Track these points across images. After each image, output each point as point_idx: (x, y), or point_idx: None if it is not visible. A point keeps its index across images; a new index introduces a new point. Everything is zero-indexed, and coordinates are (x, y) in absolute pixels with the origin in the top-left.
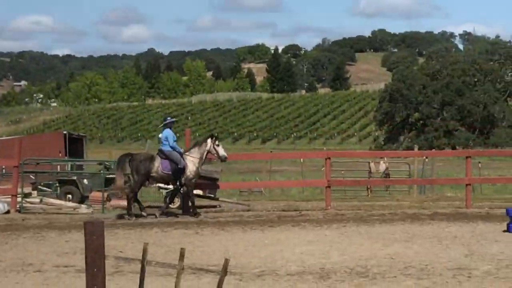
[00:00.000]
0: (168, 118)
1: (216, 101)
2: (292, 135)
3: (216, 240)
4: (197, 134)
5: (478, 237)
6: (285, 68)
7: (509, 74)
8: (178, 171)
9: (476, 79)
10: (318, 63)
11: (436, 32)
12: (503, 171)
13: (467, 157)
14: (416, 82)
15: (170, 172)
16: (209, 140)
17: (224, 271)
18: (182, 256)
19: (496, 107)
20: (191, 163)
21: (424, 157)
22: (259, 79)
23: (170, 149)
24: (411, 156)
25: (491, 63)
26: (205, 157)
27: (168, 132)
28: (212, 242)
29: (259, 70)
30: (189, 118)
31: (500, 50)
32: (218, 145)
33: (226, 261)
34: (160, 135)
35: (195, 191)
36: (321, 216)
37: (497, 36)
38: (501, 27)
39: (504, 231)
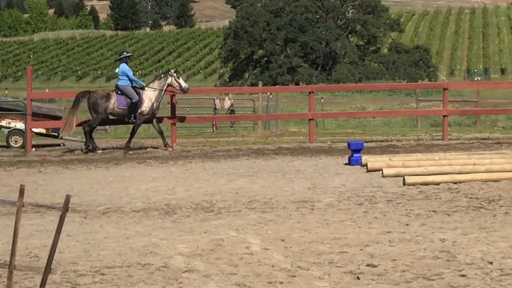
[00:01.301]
0: (124, 52)
1: (58, 39)
2: (137, 73)
3: (60, 179)
4: (39, 73)
5: (321, 171)
6: (128, 5)
7: (350, 11)
8: (132, 105)
9: (318, 16)
10: (162, 0)
11: None
12: (344, 106)
13: (309, 93)
14: (260, 19)
15: (126, 107)
16: (170, 73)
17: (65, 207)
18: (21, 192)
19: (338, 43)
20: (148, 99)
21: (268, 93)
22: (102, 16)
23: (125, 83)
24: (255, 92)
25: (333, 0)
26: (165, 91)
27: (124, 67)
28: (56, 181)
29: (102, 8)
30: (31, 56)
31: None
32: (178, 78)
33: (67, 197)
34: (116, 70)
35: (37, 130)
36: (166, 153)
37: None
38: None
39: (346, 164)
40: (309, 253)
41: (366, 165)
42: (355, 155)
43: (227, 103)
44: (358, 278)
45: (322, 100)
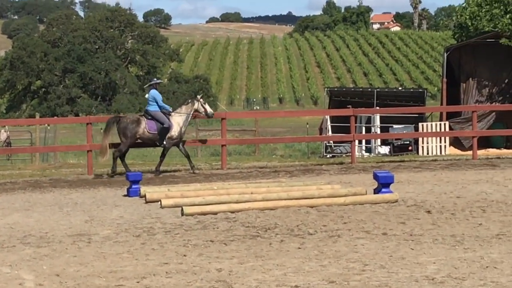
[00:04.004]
0: (154, 79)
1: None
2: None
3: None
4: None
5: (99, 203)
6: None
7: (130, 41)
8: (163, 130)
9: (97, 46)
10: None
11: None
12: None
13: (88, 124)
14: (37, 49)
15: (156, 132)
16: (197, 98)
17: None
18: None
19: (117, 74)
20: (176, 124)
21: (46, 125)
22: None
23: (156, 109)
24: (32, 124)
25: (112, 30)
26: (191, 116)
27: (155, 93)
28: None
29: None
30: None
31: (120, 17)
32: (205, 103)
33: None
34: (146, 96)
35: None
36: None
37: (117, 4)
38: None
39: (124, 195)
40: (85, 287)
41: (144, 196)
42: (133, 186)
43: (3, 135)
44: None
45: (102, 131)
